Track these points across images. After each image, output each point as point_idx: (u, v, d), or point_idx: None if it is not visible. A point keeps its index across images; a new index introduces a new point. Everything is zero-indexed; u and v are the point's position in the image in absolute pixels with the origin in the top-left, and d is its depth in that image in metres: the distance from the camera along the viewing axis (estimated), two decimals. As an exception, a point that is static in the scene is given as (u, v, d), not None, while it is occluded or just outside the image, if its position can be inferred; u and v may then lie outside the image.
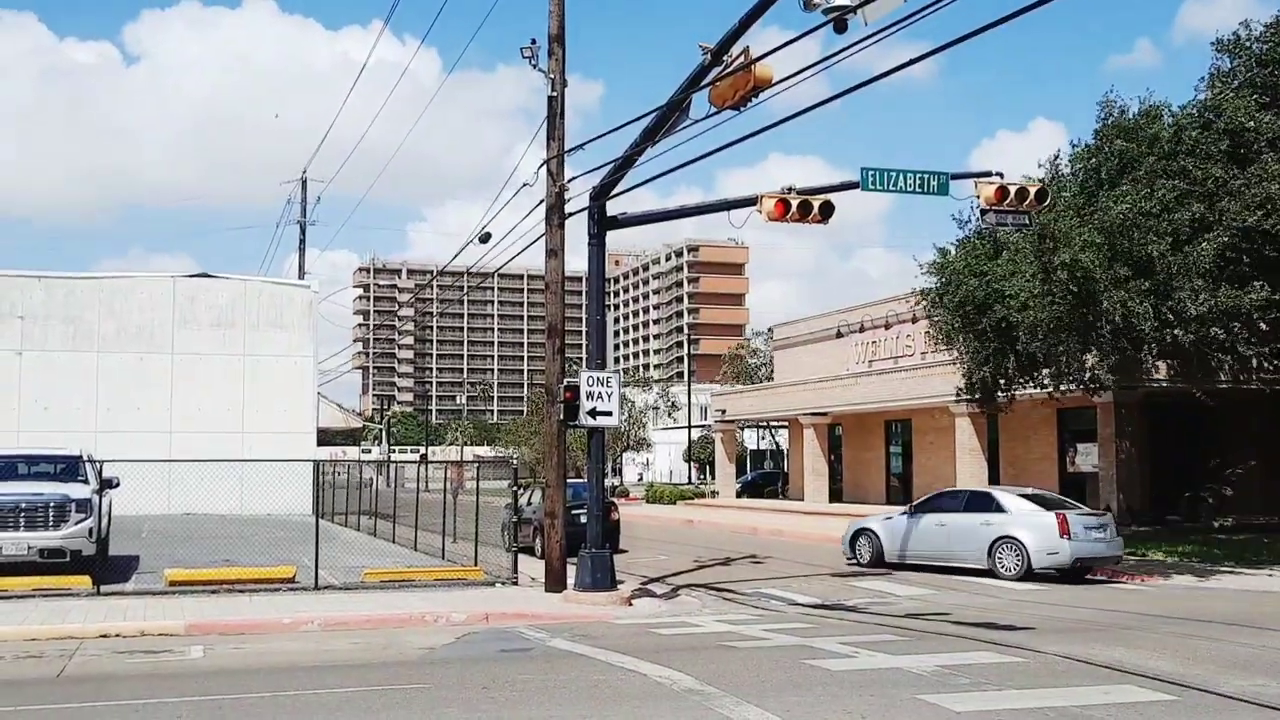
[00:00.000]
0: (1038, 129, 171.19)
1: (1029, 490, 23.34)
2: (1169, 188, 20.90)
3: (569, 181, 18.80)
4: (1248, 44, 22.69)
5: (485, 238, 21.34)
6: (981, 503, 22.33)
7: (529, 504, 25.94)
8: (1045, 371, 24.69)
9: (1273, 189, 20.09)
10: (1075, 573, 20.81)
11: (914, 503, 24.40)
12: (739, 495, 55.36)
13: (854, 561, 24.07)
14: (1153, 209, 20.67)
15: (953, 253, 25.41)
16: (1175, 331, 20.58)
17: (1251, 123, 21.20)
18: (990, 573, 21.12)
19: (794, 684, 11.03)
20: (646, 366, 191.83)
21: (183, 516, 30.64)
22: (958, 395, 28.12)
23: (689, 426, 70.39)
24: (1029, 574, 20.64)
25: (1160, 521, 30.14)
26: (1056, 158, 23.83)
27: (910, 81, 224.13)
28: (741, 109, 15.10)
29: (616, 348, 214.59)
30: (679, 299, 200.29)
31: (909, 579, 21.50)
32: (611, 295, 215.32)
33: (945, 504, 23.02)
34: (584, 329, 22.53)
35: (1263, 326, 22.96)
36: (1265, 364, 26.10)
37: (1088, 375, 24.71)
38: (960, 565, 21.76)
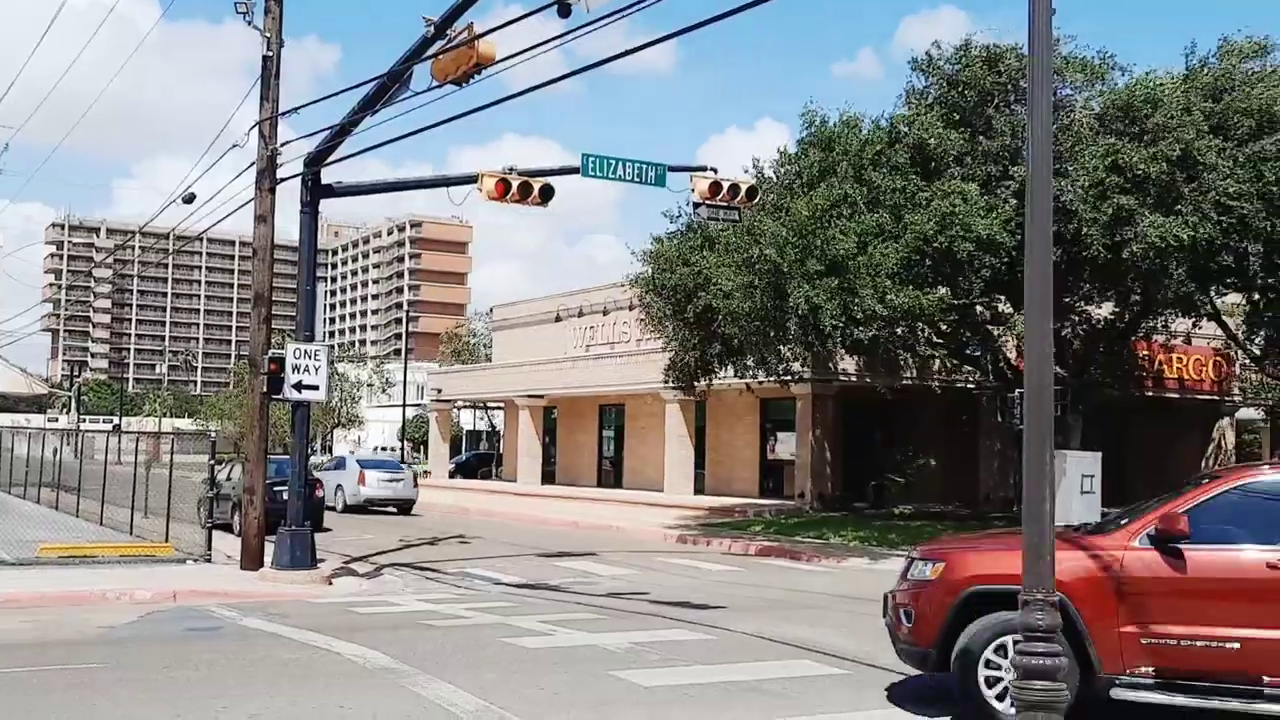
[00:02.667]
0: (764, 129, 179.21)
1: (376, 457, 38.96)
2: (860, 194, 22.19)
3: (282, 146, 18.16)
4: (939, 64, 24.30)
5: (189, 198, 20.35)
6: (340, 462, 38.41)
7: (229, 479, 24.94)
8: (747, 360, 25.88)
9: (950, 205, 21.56)
10: (364, 508, 34.24)
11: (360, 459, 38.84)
12: (452, 475, 55.02)
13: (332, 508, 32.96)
14: (844, 212, 21.90)
15: (667, 243, 26.18)
16: (859, 328, 21.87)
17: (934, 140, 22.78)
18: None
19: (490, 661, 11.09)
20: (364, 342, 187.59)
21: None
22: (665, 378, 29.11)
23: (404, 405, 69.34)
24: (346, 508, 34.04)
25: (849, 508, 32.00)
26: (758, 162, 24.89)
27: (651, 73, 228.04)
28: (464, 85, 14.96)
29: (333, 321, 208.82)
30: (400, 275, 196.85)
31: (612, 559, 22.00)
32: (329, 267, 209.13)
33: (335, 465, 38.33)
34: (296, 300, 21.82)
35: (943, 327, 24.75)
36: (944, 363, 28.19)
37: (782, 366, 26.08)
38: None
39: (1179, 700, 8.12)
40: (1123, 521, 9.03)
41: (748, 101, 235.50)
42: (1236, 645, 7.99)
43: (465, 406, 64.47)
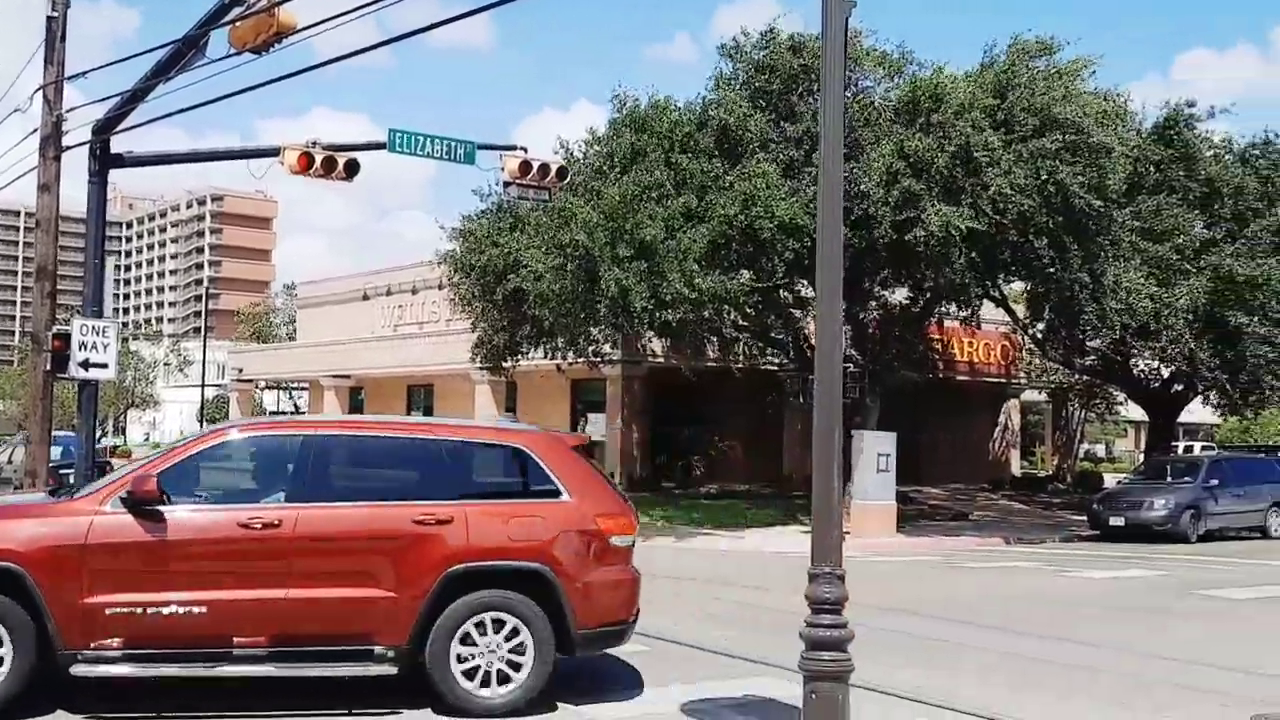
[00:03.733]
0: (581, 110, 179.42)
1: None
2: (668, 177, 22.49)
3: (70, 112, 17.24)
4: (747, 50, 24.79)
5: (-35, 164, 19.08)
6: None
7: (9, 462, 23.66)
8: (557, 342, 25.97)
9: (752, 187, 22.07)
10: None
11: None
12: (254, 457, 53.39)
13: None
14: (653, 196, 22.16)
15: (477, 222, 25.98)
16: (667, 311, 22.19)
17: (738, 124, 23.26)
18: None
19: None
20: (161, 320, 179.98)
21: None
22: (473, 359, 29.00)
23: (203, 385, 66.85)
24: None
25: (657, 488, 32.47)
26: (567, 143, 24.96)
27: (469, 50, 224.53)
28: (263, 53, 14.45)
29: (128, 298, 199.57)
30: (200, 250, 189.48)
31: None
32: (123, 241, 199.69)
33: None
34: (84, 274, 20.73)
35: (748, 310, 25.31)
36: (749, 346, 28.84)
37: (592, 348, 26.30)
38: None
39: (150, 671, 7.80)
40: (98, 485, 8.54)
41: (565, 82, 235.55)
42: (205, 609, 7.78)
43: (269, 387, 62.66)
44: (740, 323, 26.32)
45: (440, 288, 36.04)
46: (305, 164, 15.70)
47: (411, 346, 40.81)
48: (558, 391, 37.21)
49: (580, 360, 27.63)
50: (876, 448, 23.62)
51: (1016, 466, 43.48)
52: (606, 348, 27.27)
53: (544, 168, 17.10)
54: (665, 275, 21.32)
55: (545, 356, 27.83)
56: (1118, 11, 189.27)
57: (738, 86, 24.57)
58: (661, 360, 32.27)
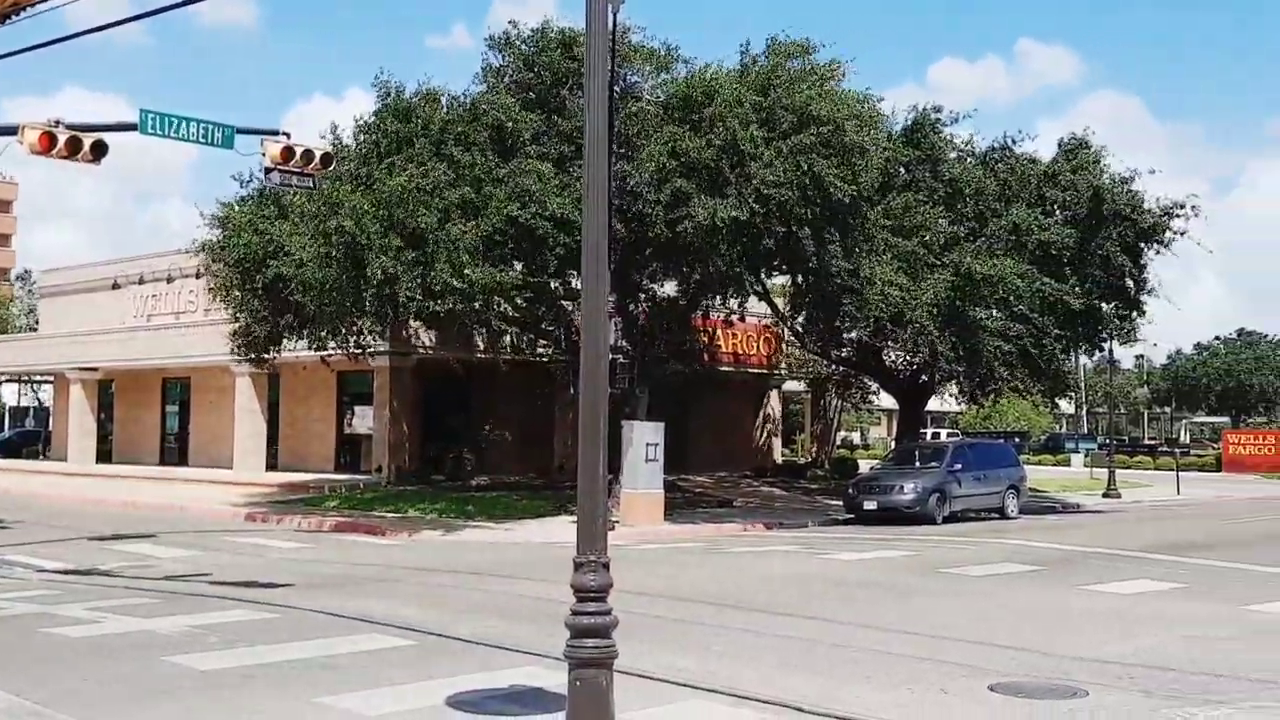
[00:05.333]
0: (354, 98, 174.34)
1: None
2: (440, 169, 22.29)
3: None
4: (516, 44, 24.77)
5: None
6: None
7: None
8: (322, 331, 25.37)
9: (528, 182, 22.13)
10: None
11: None
12: (-9, 456, 49.97)
13: None
14: (426, 186, 21.93)
15: (237, 208, 25.07)
16: (436, 302, 22.00)
17: (510, 120, 23.26)
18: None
19: (28, 654, 10.24)
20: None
21: None
22: (232, 350, 28.05)
23: (-67, 378, 62.13)
24: None
25: (427, 481, 32.08)
26: (336, 129, 24.37)
27: (236, 31, 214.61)
28: (2, 24, 13.59)
29: None
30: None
31: (174, 540, 20.86)
32: None
33: None
34: None
35: (519, 302, 25.34)
36: (520, 337, 28.89)
37: (356, 339, 25.83)
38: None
39: None
40: None
41: (337, 69, 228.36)
42: None
43: (8, 380, 58.72)
44: (511, 315, 26.31)
45: (198, 276, 34.57)
46: (47, 144, 14.80)
47: (167, 337, 39.02)
48: (323, 384, 36.30)
49: (343, 352, 27.05)
50: (645, 438, 24.04)
51: (779, 454, 45.04)
52: (372, 339, 26.79)
53: (308, 154, 16.63)
54: (434, 265, 21.12)
55: (308, 348, 27.12)
56: (878, 20, 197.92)
57: (507, 80, 24.53)
58: (430, 352, 31.92)
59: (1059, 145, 32.31)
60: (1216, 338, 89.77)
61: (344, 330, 25.31)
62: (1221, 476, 54.91)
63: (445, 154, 22.60)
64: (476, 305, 22.96)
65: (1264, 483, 50.26)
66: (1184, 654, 10.75)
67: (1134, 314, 32.65)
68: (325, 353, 27.33)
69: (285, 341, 27.34)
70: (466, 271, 21.26)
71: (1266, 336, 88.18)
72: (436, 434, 35.20)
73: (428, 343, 31.62)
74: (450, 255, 21.23)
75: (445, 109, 23.89)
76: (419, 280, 21.34)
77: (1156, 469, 56.14)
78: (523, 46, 24.49)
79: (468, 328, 26.21)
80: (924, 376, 34.38)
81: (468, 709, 8.47)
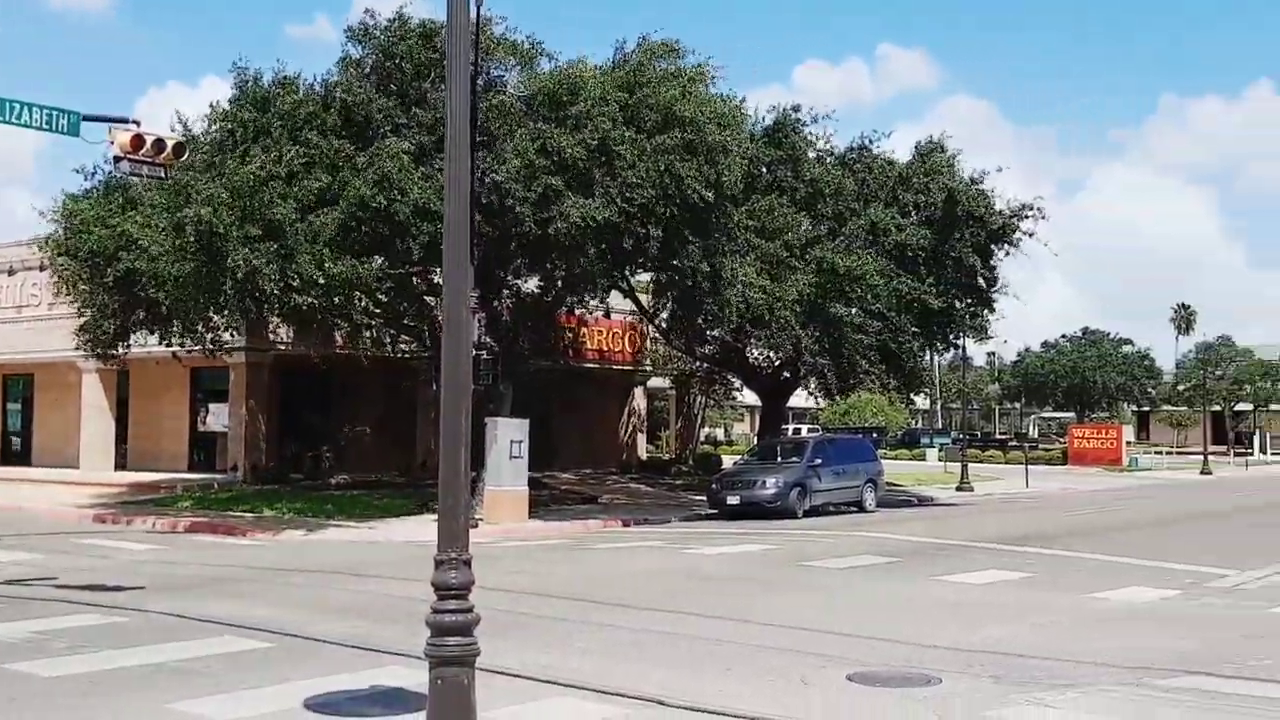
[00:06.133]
0: (210, 86, 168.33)
1: None
2: (297, 154, 21.82)
3: None
4: (375, 34, 24.37)
5: None
6: None
7: None
8: (175, 326, 24.61)
9: (388, 167, 21.78)
10: None
11: None
12: None
13: None
14: (281, 174, 21.43)
15: (83, 201, 24.12)
16: (297, 296, 21.53)
17: (365, 109, 22.90)
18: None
19: None
20: None
21: None
22: (78, 345, 27.06)
23: None
24: None
25: (285, 480, 31.37)
26: (184, 118, 23.63)
27: (85, 14, 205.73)
28: None
29: None
30: None
31: (15, 543, 19.98)
32: None
33: None
34: None
35: (381, 297, 24.94)
36: (381, 332, 28.44)
37: (211, 335, 25.13)
38: None
39: None
40: None
41: (193, 56, 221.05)
42: None
43: None
44: (372, 309, 25.88)
45: (42, 269, 33.19)
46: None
47: (7, 333, 37.35)
48: (176, 380, 35.15)
49: (197, 349, 26.23)
50: (509, 434, 23.93)
51: (643, 450, 45.28)
52: (227, 335, 26.07)
53: (159, 143, 16.01)
54: (295, 258, 20.65)
55: (160, 343, 26.25)
56: (746, 21, 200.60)
57: (367, 71, 24.12)
58: (289, 348, 31.20)
59: (915, 148, 33.18)
60: (1063, 336, 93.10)
61: (200, 326, 24.59)
62: (1066, 470, 57.15)
63: (301, 139, 22.13)
64: (337, 300, 22.53)
65: (1105, 475, 52.53)
66: (1032, 641, 11.16)
67: (985, 311, 33.75)
68: (178, 348, 26.48)
69: (136, 337, 26.45)
70: (327, 265, 20.84)
71: (1109, 335, 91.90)
72: (295, 432, 34.44)
73: (286, 338, 30.89)
74: (311, 247, 20.79)
75: (302, 95, 23.39)
76: (279, 273, 20.84)
77: (1007, 463, 58.13)
78: (381, 37, 24.08)
79: (328, 323, 25.69)
80: (786, 373, 34.93)
81: (326, 710, 8.31)
